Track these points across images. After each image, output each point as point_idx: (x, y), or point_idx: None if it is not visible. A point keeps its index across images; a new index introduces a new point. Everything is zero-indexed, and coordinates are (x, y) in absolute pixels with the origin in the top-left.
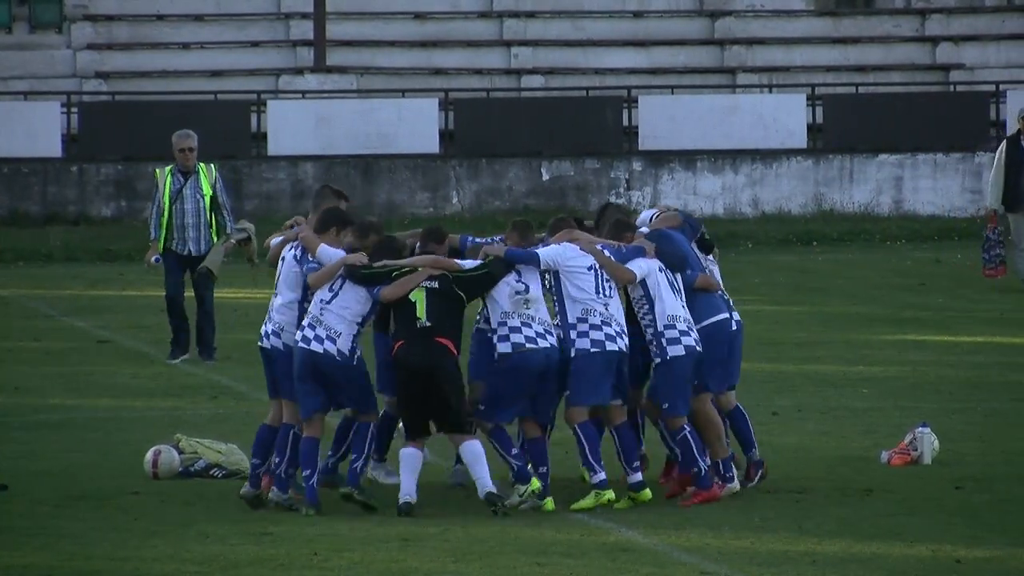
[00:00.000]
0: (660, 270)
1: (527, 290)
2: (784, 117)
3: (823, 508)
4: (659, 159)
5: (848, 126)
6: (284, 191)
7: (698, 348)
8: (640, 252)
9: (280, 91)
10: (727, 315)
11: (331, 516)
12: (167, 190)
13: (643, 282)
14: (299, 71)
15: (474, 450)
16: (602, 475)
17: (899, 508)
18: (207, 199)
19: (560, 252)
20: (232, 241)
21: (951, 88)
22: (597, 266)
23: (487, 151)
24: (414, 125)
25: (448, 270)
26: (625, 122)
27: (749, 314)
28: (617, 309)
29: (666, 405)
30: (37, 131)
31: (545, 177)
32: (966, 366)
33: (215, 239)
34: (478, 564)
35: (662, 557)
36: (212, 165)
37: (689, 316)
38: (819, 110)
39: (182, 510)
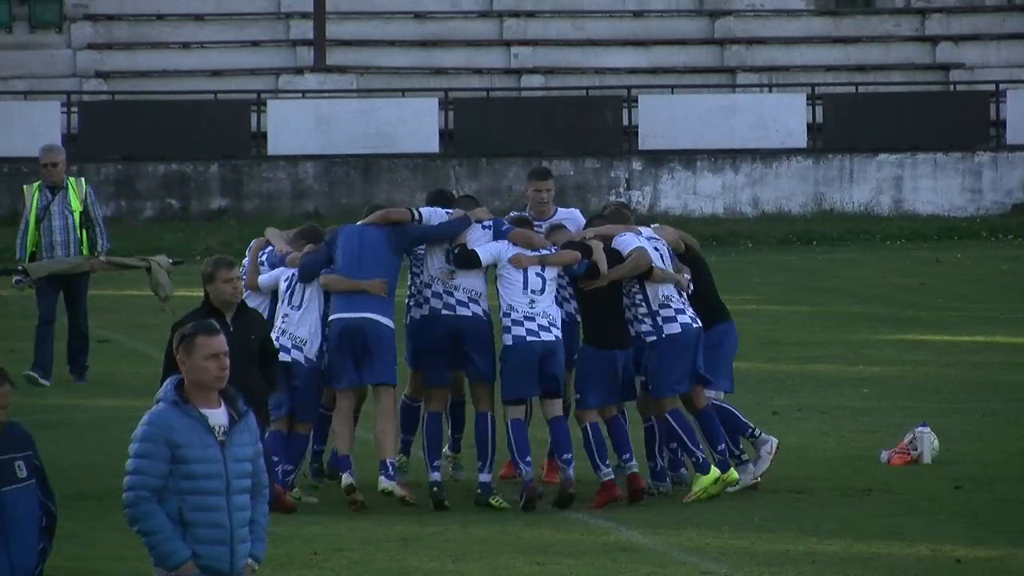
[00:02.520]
0: (287, 280)
1: None
2: (784, 117)
3: (823, 508)
4: (659, 159)
5: (848, 126)
6: (284, 191)
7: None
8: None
9: (280, 91)
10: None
11: (331, 516)
12: (34, 207)
13: None
14: (299, 71)
15: None
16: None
17: (899, 508)
18: (76, 215)
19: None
20: (102, 259)
21: (951, 88)
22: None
23: (487, 151)
24: (414, 125)
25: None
26: (625, 122)
27: (749, 314)
28: (298, 321)
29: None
30: (37, 131)
31: None
32: (966, 366)
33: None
34: (478, 564)
35: (662, 557)
36: (83, 179)
37: (302, 324)
38: (819, 110)
39: None
